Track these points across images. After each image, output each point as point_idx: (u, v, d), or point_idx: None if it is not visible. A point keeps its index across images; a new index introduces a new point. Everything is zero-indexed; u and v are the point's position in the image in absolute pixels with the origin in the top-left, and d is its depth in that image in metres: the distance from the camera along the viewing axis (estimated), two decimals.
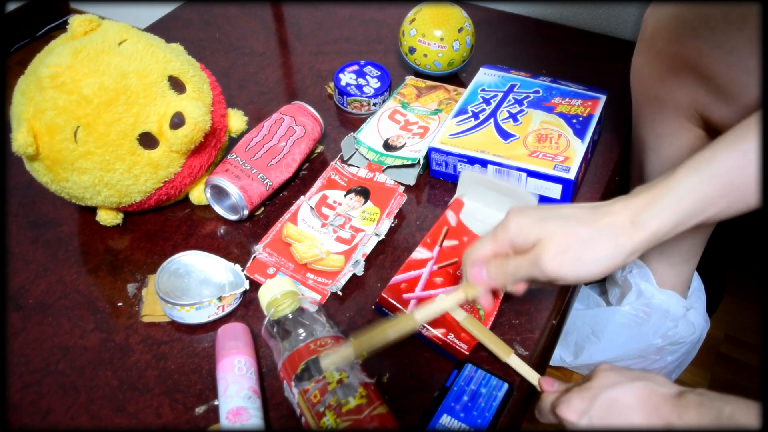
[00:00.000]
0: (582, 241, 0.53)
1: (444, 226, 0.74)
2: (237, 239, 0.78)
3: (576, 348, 1.03)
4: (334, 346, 0.59)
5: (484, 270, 0.57)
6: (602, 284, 1.08)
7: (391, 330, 0.56)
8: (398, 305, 0.66)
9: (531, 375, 0.62)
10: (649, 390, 0.53)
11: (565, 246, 0.53)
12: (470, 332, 0.64)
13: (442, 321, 0.64)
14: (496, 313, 0.67)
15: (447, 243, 0.72)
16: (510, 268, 0.55)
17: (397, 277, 0.69)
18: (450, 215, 0.75)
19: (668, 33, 0.74)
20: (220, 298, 0.67)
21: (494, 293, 0.67)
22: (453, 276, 0.69)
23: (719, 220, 0.55)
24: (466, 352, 0.63)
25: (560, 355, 1.05)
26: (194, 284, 0.70)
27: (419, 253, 0.71)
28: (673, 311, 0.95)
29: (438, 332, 0.64)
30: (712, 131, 0.80)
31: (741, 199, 0.53)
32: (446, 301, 0.59)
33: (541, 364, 0.67)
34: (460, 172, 0.79)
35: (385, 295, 0.67)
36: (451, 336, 0.64)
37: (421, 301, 0.67)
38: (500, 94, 0.87)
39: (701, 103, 0.75)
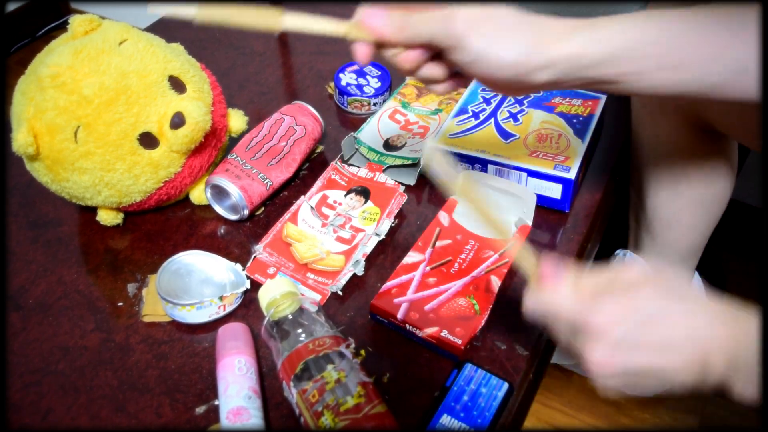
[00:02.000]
0: (508, 21, 0.49)
1: (436, 228, 0.74)
2: (237, 239, 0.78)
3: None
4: (333, 346, 0.59)
5: (382, 15, 0.51)
6: None
7: (247, 13, 0.51)
8: (390, 312, 0.66)
9: (527, 258, 0.51)
10: (700, 309, 0.46)
11: (488, 16, 0.49)
12: (470, 206, 0.53)
13: (435, 318, 0.64)
14: (491, 307, 0.66)
15: (440, 243, 0.72)
16: (415, 20, 0.50)
17: (388, 284, 0.68)
18: (442, 216, 0.75)
19: None
20: (221, 298, 0.67)
21: (488, 293, 0.67)
22: (447, 275, 0.69)
23: (656, 90, 0.51)
24: (461, 347, 0.62)
25: (560, 355, 1.05)
26: (195, 284, 0.70)
27: (410, 257, 0.71)
28: None
29: (431, 330, 0.64)
30: (712, 131, 0.80)
31: (677, 66, 0.49)
32: (323, 23, 0.53)
33: (541, 363, 0.67)
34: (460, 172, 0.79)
35: (375, 304, 0.67)
36: (444, 332, 0.63)
37: (413, 304, 0.66)
38: (500, 94, 0.87)
39: (700, 103, 0.75)
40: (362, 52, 0.53)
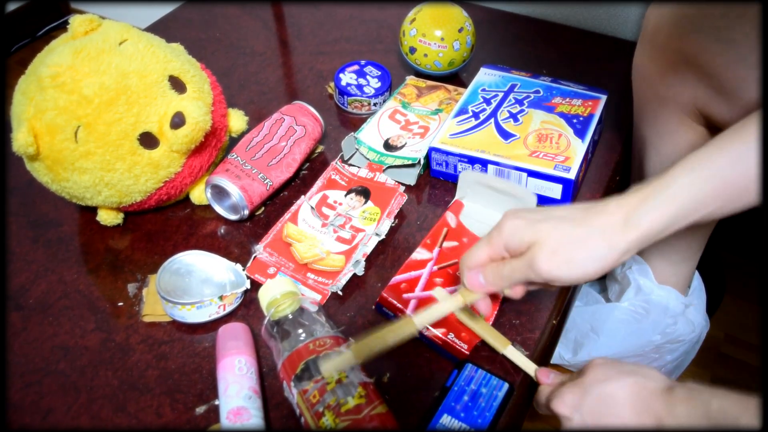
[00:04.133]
0: (575, 241, 0.53)
1: (444, 228, 0.74)
2: (237, 239, 0.78)
3: (575, 345, 1.03)
4: (333, 347, 0.59)
5: (481, 275, 0.57)
6: (602, 281, 1.08)
7: (390, 335, 0.56)
8: (399, 305, 0.66)
9: (528, 366, 0.62)
10: (639, 385, 0.53)
11: (558, 246, 0.52)
12: (465, 324, 0.63)
13: (443, 320, 0.64)
14: (495, 313, 0.67)
15: (447, 244, 0.72)
16: (506, 272, 0.55)
17: (398, 277, 0.69)
18: (450, 217, 0.75)
19: (670, 29, 0.74)
20: (221, 297, 0.67)
21: (494, 297, 0.67)
22: (453, 277, 0.69)
23: (714, 219, 0.55)
24: (467, 352, 0.63)
25: (559, 353, 1.05)
26: (195, 283, 0.70)
27: (419, 253, 0.71)
28: (672, 307, 0.95)
29: (438, 332, 0.64)
30: (713, 128, 0.80)
31: (735, 198, 0.53)
32: (444, 306, 0.58)
33: (541, 363, 0.67)
34: (460, 172, 0.79)
35: (385, 295, 0.67)
36: (451, 336, 0.64)
37: (421, 301, 0.67)
38: (501, 94, 0.87)
39: (702, 99, 0.75)
40: (486, 308, 0.60)
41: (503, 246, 0.55)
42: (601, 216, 0.53)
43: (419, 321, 0.57)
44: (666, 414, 0.50)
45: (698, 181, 0.52)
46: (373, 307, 0.69)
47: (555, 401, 0.56)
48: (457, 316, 0.64)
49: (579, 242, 0.53)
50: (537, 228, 0.54)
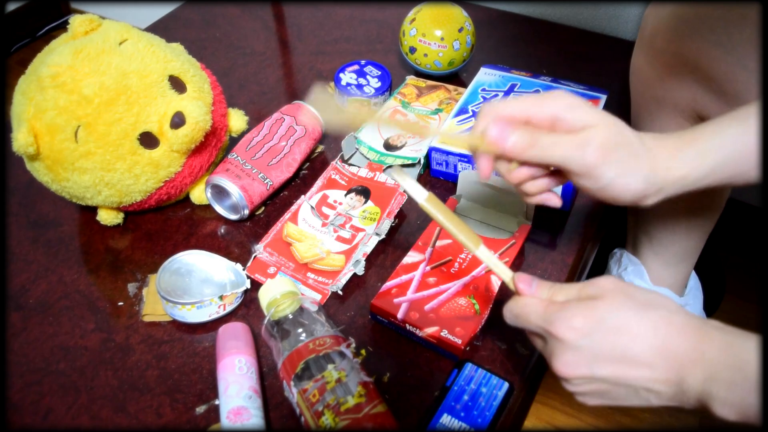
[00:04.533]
0: (631, 147, 0.50)
1: (437, 227, 0.74)
2: (237, 239, 0.78)
3: None
4: (333, 346, 0.59)
5: (511, 131, 0.50)
6: None
7: (409, 126, 0.51)
8: (390, 312, 0.66)
9: (504, 272, 0.54)
10: (665, 320, 0.46)
11: (617, 143, 0.49)
12: (435, 218, 0.55)
13: (435, 318, 0.64)
14: (491, 306, 0.66)
15: (440, 243, 0.72)
16: (546, 142, 0.49)
17: (388, 284, 0.68)
18: None
19: (668, 32, 0.74)
20: (221, 297, 0.67)
21: (489, 294, 0.67)
22: (447, 274, 0.69)
23: (722, 186, 0.53)
24: (461, 346, 0.62)
25: None
26: (195, 283, 0.70)
27: (410, 257, 0.71)
28: None
29: (431, 330, 0.64)
30: None
31: (742, 171, 0.52)
32: (455, 136, 0.53)
33: (541, 363, 0.67)
34: (460, 171, 0.79)
35: (376, 304, 0.67)
36: (444, 332, 0.63)
37: (413, 303, 0.66)
38: (501, 94, 0.87)
39: (700, 102, 0.75)
40: (485, 166, 0.53)
41: (551, 115, 0.50)
42: (651, 143, 0.51)
43: (434, 131, 0.53)
44: (692, 363, 0.44)
45: (742, 137, 0.50)
46: (369, 316, 0.68)
47: (559, 323, 0.47)
48: (421, 205, 0.55)
49: (634, 150, 0.50)
50: (599, 114, 0.49)
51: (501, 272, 0.54)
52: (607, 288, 0.48)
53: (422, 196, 0.54)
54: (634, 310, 0.46)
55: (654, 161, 0.50)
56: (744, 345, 0.43)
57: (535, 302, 0.50)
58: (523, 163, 0.52)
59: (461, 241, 0.54)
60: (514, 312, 0.51)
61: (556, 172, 0.54)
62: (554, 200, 0.55)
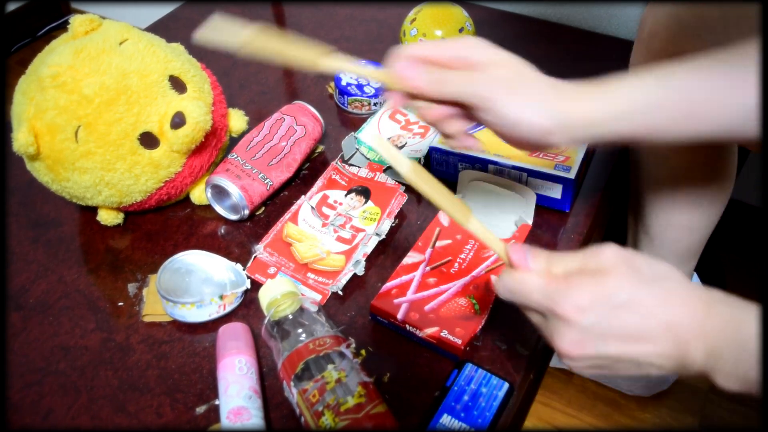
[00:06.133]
0: (537, 84, 0.51)
1: (436, 228, 0.74)
2: (238, 239, 0.78)
3: None
4: (333, 346, 0.59)
5: (420, 70, 0.53)
6: None
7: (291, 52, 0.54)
8: (390, 312, 0.66)
9: (496, 244, 0.51)
10: (673, 294, 0.44)
11: (521, 79, 0.51)
12: (418, 187, 0.52)
13: (435, 318, 0.64)
14: (491, 307, 0.66)
15: (440, 243, 0.72)
16: (449, 77, 0.52)
17: (388, 284, 0.68)
18: (442, 216, 0.75)
19: (666, 33, 0.74)
20: (221, 297, 0.67)
21: (488, 294, 0.67)
22: (447, 275, 0.69)
23: (645, 141, 0.53)
24: (462, 347, 0.63)
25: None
26: (195, 283, 0.70)
27: (410, 257, 0.71)
28: None
29: (431, 330, 0.64)
30: None
31: (662, 126, 0.50)
32: (361, 68, 0.56)
33: (541, 364, 0.67)
34: (460, 171, 0.79)
35: (376, 304, 0.67)
36: (444, 332, 0.63)
37: (413, 304, 0.66)
38: None
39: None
40: (396, 101, 0.56)
41: (459, 54, 0.53)
42: (558, 84, 0.52)
43: (330, 60, 0.57)
44: (695, 341, 0.43)
45: (659, 90, 0.50)
46: (369, 317, 0.68)
47: (564, 303, 0.44)
48: (404, 176, 0.52)
49: (538, 87, 0.51)
50: (506, 54, 0.52)
51: (492, 244, 0.52)
52: (612, 260, 0.45)
53: (405, 166, 0.51)
54: (643, 284, 0.44)
55: (559, 98, 0.51)
56: (748, 318, 0.43)
57: (534, 277, 0.47)
58: (439, 102, 0.54)
59: (449, 213, 0.52)
60: (510, 287, 0.48)
61: (470, 114, 0.55)
62: (471, 142, 0.58)
